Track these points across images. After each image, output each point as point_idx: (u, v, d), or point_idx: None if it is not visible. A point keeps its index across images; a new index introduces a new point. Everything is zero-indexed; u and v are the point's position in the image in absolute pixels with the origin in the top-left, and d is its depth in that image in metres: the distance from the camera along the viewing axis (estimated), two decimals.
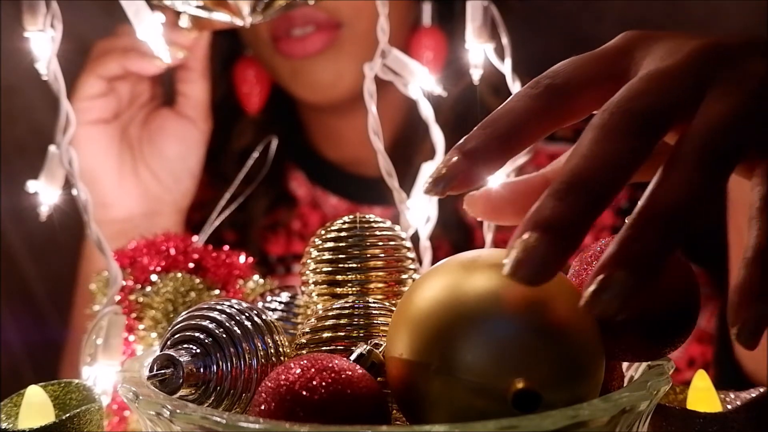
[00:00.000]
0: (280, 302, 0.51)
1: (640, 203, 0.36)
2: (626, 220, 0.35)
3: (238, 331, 0.42)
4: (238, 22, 0.62)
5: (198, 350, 0.41)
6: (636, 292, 0.34)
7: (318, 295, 0.47)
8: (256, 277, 0.64)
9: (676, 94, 0.39)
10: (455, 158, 0.39)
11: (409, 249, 0.48)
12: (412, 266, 0.48)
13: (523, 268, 0.34)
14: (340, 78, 0.91)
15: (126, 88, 0.90)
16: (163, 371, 0.40)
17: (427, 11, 0.94)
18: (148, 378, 0.40)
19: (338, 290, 0.47)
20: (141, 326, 0.60)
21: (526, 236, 0.34)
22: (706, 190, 0.36)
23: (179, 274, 0.62)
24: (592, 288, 0.34)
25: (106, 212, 0.88)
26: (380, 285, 0.47)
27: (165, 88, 0.94)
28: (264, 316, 0.43)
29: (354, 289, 0.47)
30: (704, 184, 0.36)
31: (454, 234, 0.94)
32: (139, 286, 0.62)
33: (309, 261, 0.48)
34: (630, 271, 0.34)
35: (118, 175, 0.90)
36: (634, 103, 0.38)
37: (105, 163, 0.89)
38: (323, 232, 0.48)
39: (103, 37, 0.90)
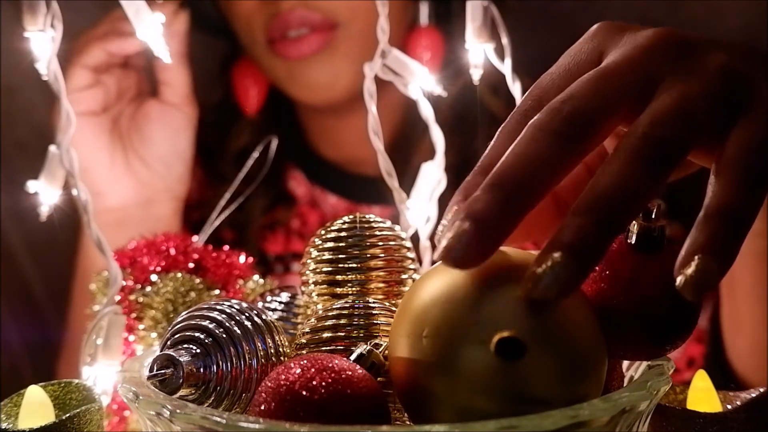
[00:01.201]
0: (280, 302, 0.51)
1: (584, 191, 0.37)
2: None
3: (238, 331, 0.42)
4: None
5: (198, 350, 0.41)
6: (576, 277, 0.35)
7: (318, 295, 0.47)
8: (256, 277, 0.64)
9: (616, 93, 0.40)
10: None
11: (409, 249, 0.48)
12: (412, 266, 0.48)
13: (453, 252, 0.36)
14: (337, 79, 0.91)
15: (113, 81, 0.90)
16: (163, 371, 0.40)
17: (424, 11, 0.94)
18: (148, 378, 0.40)
19: (338, 290, 0.47)
20: (141, 326, 0.60)
21: (457, 224, 0.37)
22: (644, 182, 0.37)
23: (179, 274, 0.62)
24: (534, 270, 0.36)
25: (100, 201, 0.88)
26: (380, 285, 0.47)
27: (150, 85, 0.94)
28: (264, 316, 0.43)
29: (354, 289, 0.46)
30: (643, 177, 0.37)
31: None
32: (139, 286, 0.62)
33: (309, 261, 0.48)
34: (570, 256, 0.35)
35: (110, 164, 0.90)
36: (564, 105, 0.39)
37: (96, 153, 0.89)
38: (323, 232, 0.48)
39: (83, 29, 0.90)
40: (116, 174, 0.90)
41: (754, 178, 0.38)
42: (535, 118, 0.39)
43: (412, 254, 0.48)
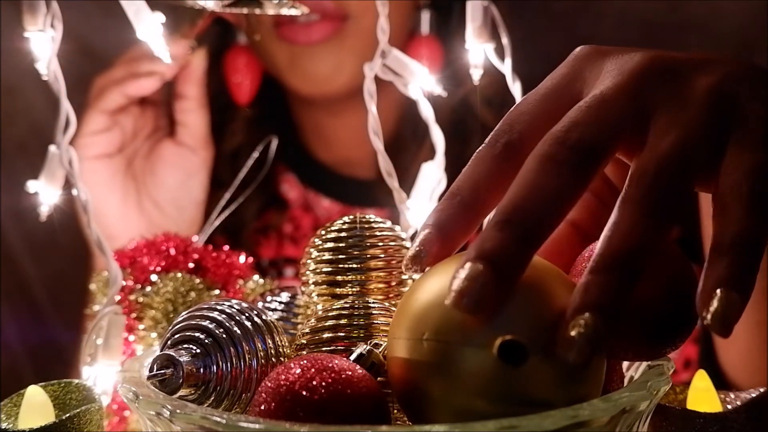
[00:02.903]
0: (280, 302, 0.51)
1: (597, 249, 0.37)
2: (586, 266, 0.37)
3: (238, 331, 0.42)
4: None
5: (198, 350, 0.41)
6: (607, 336, 0.35)
7: (318, 295, 0.47)
8: (256, 277, 0.64)
9: (615, 122, 0.40)
10: (427, 232, 0.40)
11: (409, 249, 0.48)
12: None
13: (466, 297, 0.36)
14: (339, 71, 0.91)
15: (129, 121, 0.91)
16: (163, 371, 0.40)
17: (425, 20, 0.94)
18: (148, 378, 0.40)
19: (338, 290, 0.47)
20: (141, 326, 0.60)
21: (469, 266, 0.36)
22: (657, 232, 0.37)
23: (179, 274, 0.62)
24: (568, 334, 0.35)
25: (111, 244, 0.88)
26: (380, 285, 0.47)
27: (167, 120, 0.95)
28: (264, 316, 0.43)
29: (354, 289, 0.46)
30: (654, 228, 0.37)
31: None
32: (139, 286, 0.62)
33: (309, 261, 0.48)
34: (600, 317, 0.35)
35: (122, 207, 0.90)
36: (570, 134, 0.39)
37: (109, 196, 0.90)
38: (323, 232, 0.48)
39: (100, 72, 0.91)
40: (128, 216, 0.91)
41: (760, 201, 0.38)
42: (538, 148, 0.39)
43: None
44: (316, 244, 0.48)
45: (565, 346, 0.35)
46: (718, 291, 0.36)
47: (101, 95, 0.89)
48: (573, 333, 0.35)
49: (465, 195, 0.41)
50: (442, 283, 0.39)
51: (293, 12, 0.62)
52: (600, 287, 0.36)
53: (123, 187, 0.91)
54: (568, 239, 0.45)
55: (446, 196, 0.41)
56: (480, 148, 0.42)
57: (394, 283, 0.47)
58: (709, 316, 0.36)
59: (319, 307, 0.47)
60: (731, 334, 0.36)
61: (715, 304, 0.36)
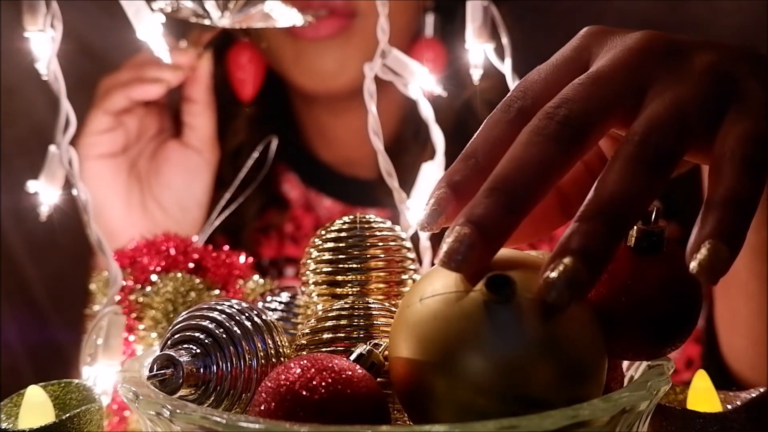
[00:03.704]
0: (280, 302, 0.51)
1: (585, 200, 0.38)
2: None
3: (238, 331, 0.42)
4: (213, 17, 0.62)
5: (198, 350, 0.41)
6: (588, 281, 0.36)
7: (318, 295, 0.47)
8: (256, 277, 0.64)
9: (609, 97, 0.41)
10: (442, 191, 0.41)
11: (409, 249, 0.48)
12: (412, 266, 0.48)
13: (453, 256, 0.37)
14: (343, 69, 0.91)
15: (134, 122, 0.91)
16: (163, 371, 0.40)
17: (429, 23, 0.94)
18: (148, 378, 0.40)
19: (338, 290, 0.47)
20: (141, 326, 0.60)
21: (457, 229, 0.38)
22: (645, 186, 0.38)
23: (179, 274, 0.62)
24: (547, 275, 0.36)
25: (113, 242, 0.89)
26: (380, 285, 0.47)
27: (172, 121, 0.95)
28: (264, 316, 0.43)
29: (354, 289, 0.46)
30: (643, 181, 0.38)
31: None
32: (139, 286, 0.62)
33: (309, 261, 0.48)
34: (581, 261, 0.36)
35: (126, 207, 0.91)
36: (559, 109, 0.40)
37: (113, 196, 0.90)
38: (323, 232, 0.48)
39: (107, 73, 0.91)
40: (131, 216, 0.91)
41: (754, 166, 0.38)
42: (531, 123, 0.40)
43: (412, 254, 0.48)
44: (316, 244, 0.48)
45: (546, 286, 0.36)
46: (707, 242, 0.36)
47: (106, 96, 0.89)
48: (553, 274, 0.36)
49: (480, 157, 0.42)
50: (444, 284, 0.39)
51: (301, 22, 0.63)
52: (583, 234, 0.37)
53: (127, 187, 0.91)
54: (557, 210, 0.46)
55: (460, 158, 0.42)
56: (493, 112, 0.43)
57: (394, 284, 0.47)
58: (695, 263, 0.36)
59: (319, 307, 0.47)
60: (717, 283, 0.36)
61: (703, 252, 0.36)
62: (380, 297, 0.46)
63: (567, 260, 0.36)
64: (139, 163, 0.92)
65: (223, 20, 0.62)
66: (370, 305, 0.45)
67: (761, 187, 0.39)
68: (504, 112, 0.43)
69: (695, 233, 0.37)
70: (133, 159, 0.92)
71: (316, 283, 0.47)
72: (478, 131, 0.43)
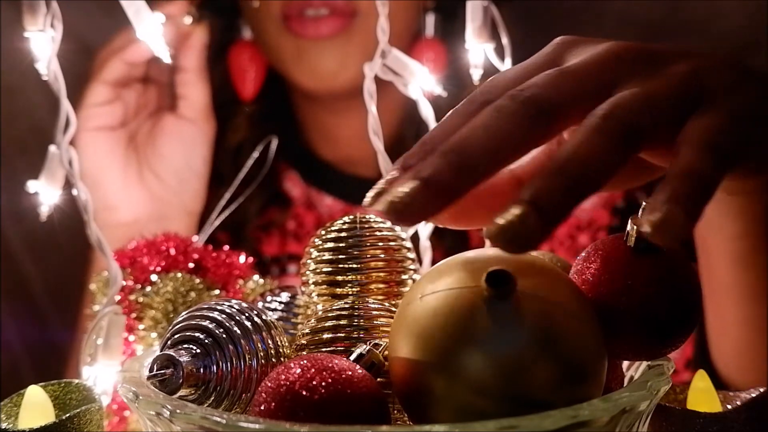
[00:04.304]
0: (280, 302, 0.51)
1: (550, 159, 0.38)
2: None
3: (238, 331, 0.42)
4: None
5: (198, 350, 0.41)
6: (539, 232, 0.36)
7: (318, 295, 0.47)
8: (256, 277, 0.64)
9: (578, 88, 0.41)
10: (394, 172, 0.40)
11: (409, 249, 0.48)
12: (412, 266, 0.48)
13: (396, 206, 0.37)
14: (344, 68, 0.91)
15: (132, 97, 0.91)
16: (163, 371, 0.40)
17: (429, 23, 0.94)
18: (148, 378, 0.40)
19: (338, 290, 0.47)
20: (141, 326, 0.60)
21: (408, 183, 0.38)
22: (606, 152, 0.38)
23: (179, 274, 0.62)
24: (497, 221, 0.36)
25: (112, 215, 0.89)
26: (380, 285, 0.47)
27: (170, 99, 0.95)
28: (264, 316, 0.43)
29: (354, 289, 0.46)
30: (604, 148, 0.38)
31: (452, 234, 0.94)
32: (139, 286, 0.62)
33: (309, 261, 0.48)
34: (533, 210, 0.36)
35: (123, 178, 0.90)
36: (522, 91, 0.40)
37: (109, 167, 0.90)
38: (323, 232, 0.48)
39: (102, 43, 0.91)
40: (129, 188, 0.91)
41: (716, 152, 0.39)
42: (497, 102, 0.40)
43: (412, 254, 0.48)
44: (316, 244, 0.48)
45: (494, 230, 0.36)
46: (662, 206, 0.36)
47: (103, 66, 0.89)
48: (502, 221, 0.36)
49: (437, 143, 0.41)
50: (444, 284, 0.39)
51: None
52: (537, 188, 0.36)
53: (124, 158, 0.91)
54: (512, 190, 0.45)
55: (417, 144, 0.42)
56: (457, 106, 0.43)
57: (394, 283, 0.47)
58: (648, 226, 0.36)
59: (319, 307, 0.47)
60: (676, 246, 0.36)
61: (656, 215, 0.36)
62: (380, 297, 0.46)
63: (516, 209, 0.36)
64: (137, 138, 0.92)
65: None
66: (370, 305, 0.45)
67: (721, 172, 0.39)
68: (467, 105, 0.43)
69: (651, 198, 0.37)
70: (131, 133, 0.92)
71: (316, 283, 0.47)
72: (442, 120, 0.43)
